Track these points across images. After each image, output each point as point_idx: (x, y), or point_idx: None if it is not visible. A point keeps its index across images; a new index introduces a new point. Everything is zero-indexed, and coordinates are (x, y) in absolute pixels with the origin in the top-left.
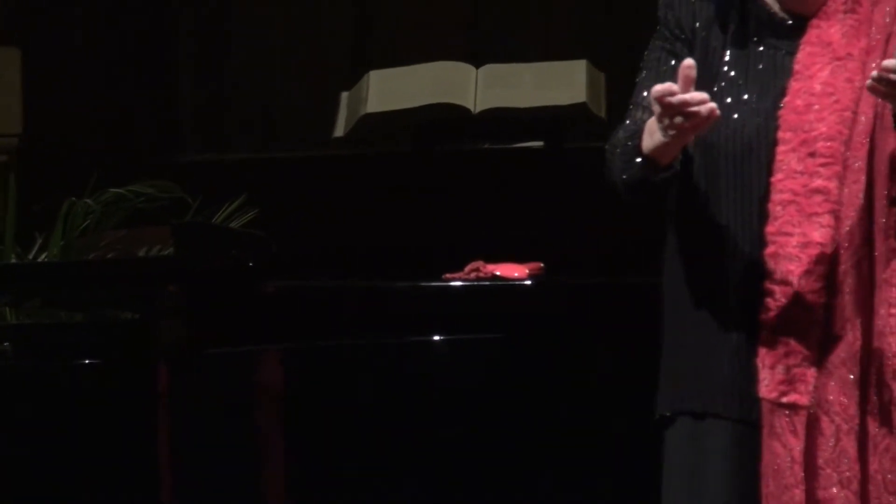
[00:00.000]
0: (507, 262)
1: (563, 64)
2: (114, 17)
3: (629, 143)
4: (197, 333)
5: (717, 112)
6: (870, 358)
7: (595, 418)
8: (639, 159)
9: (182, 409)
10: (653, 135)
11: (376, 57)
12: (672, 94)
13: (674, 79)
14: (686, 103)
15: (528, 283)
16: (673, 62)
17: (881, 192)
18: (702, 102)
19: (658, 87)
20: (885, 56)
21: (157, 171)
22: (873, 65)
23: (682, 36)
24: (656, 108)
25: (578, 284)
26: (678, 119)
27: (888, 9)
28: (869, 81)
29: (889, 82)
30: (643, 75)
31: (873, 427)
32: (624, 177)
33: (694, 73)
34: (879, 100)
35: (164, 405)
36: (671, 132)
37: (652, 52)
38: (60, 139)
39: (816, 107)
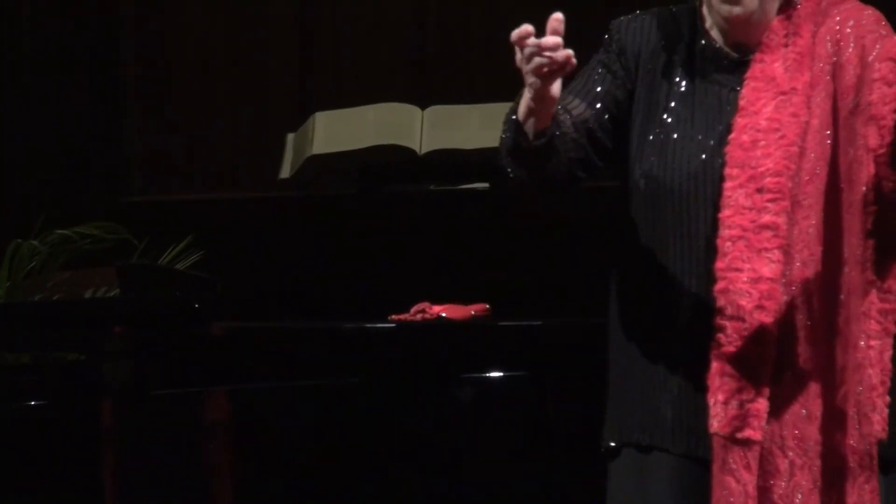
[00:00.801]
0: (453, 303)
1: (508, 105)
2: (61, 59)
3: (508, 114)
4: (143, 374)
5: (574, 61)
6: (844, 391)
7: (540, 453)
8: (512, 122)
9: (128, 449)
10: (524, 98)
11: (322, 98)
12: (529, 35)
13: (600, 85)
14: (541, 46)
15: (474, 324)
16: (602, 70)
17: (854, 225)
18: (556, 47)
19: (516, 31)
20: (829, 89)
21: (103, 213)
22: (818, 99)
23: (624, 61)
24: (517, 55)
25: (524, 325)
26: (536, 60)
27: (828, 38)
28: None
29: None
30: (573, 81)
31: (853, 460)
32: (504, 143)
33: (562, 27)
34: (843, 135)
35: (109, 446)
36: (531, 80)
37: (590, 63)
38: (6, 181)
39: (763, 142)
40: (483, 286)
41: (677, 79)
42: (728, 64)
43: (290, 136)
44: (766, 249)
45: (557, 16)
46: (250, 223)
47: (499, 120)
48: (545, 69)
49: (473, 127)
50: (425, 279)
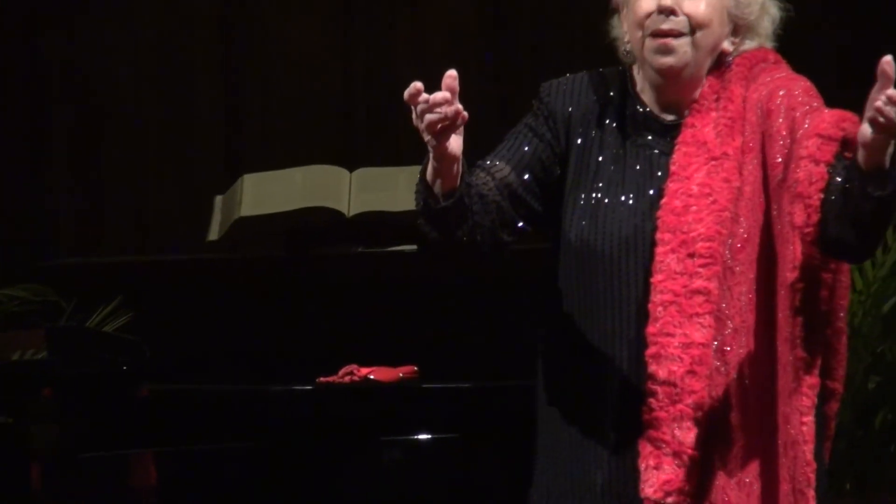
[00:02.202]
0: (381, 365)
1: None
2: None
3: (419, 176)
4: (71, 437)
5: (465, 115)
6: (779, 464)
7: None
8: (421, 183)
9: None
10: (428, 160)
11: (250, 160)
12: (419, 92)
13: (525, 148)
14: (431, 103)
15: (402, 386)
16: (528, 133)
17: (784, 301)
18: (445, 102)
19: (408, 89)
20: (760, 158)
21: (31, 275)
22: (750, 166)
23: (552, 124)
24: (413, 114)
25: (452, 388)
26: (427, 117)
27: (759, 106)
28: (870, 113)
29: (890, 115)
30: (500, 145)
31: None
32: (417, 207)
33: (455, 83)
34: (783, 206)
35: None
36: (427, 137)
37: (517, 127)
38: None
39: (694, 207)
40: (411, 348)
41: (608, 142)
42: (659, 128)
43: (218, 199)
44: (698, 315)
45: (451, 73)
46: (178, 285)
47: None
48: (438, 126)
49: (401, 189)
50: (353, 341)
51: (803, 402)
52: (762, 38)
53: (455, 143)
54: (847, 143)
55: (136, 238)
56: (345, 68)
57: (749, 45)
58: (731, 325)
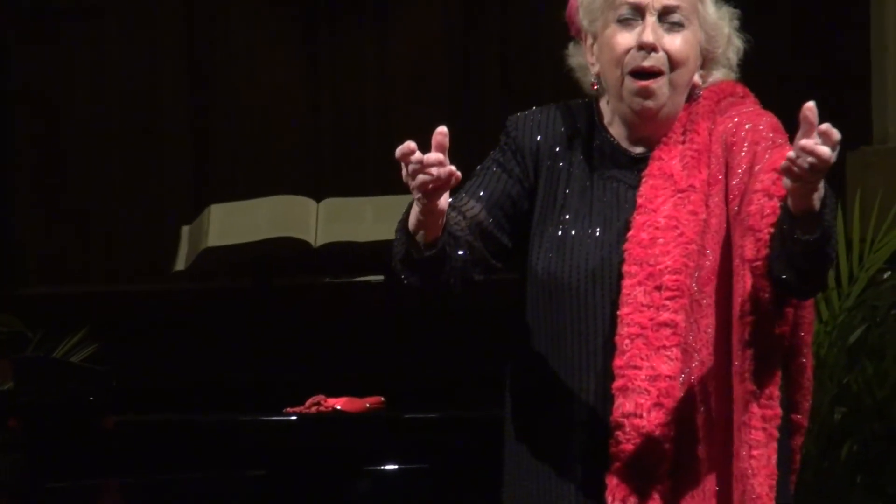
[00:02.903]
0: (348, 395)
1: (403, 198)
2: None
3: (400, 222)
4: (37, 467)
5: (459, 175)
6: (734, 499)
7: None
8: (403, 233)
9: None
10: (413, 210)
11: (217, 190)
12: (413, 152)
13: (494, 185)
14: (424, 163)
15: (370, 416)
16: (496, 169)
17: (736, 334)
18: (437, 163)
19: (400, 147)
20: (725, 191)
21: None
22: (716, 198)
23: (520, 158)
24: (403, 171)
25: (419, 418)
26: (420, 177)
27: (724, 138)
28: (784, 162)
29: (803, 164)
30: (468, 181)
31: None
32: (396, 254)
33: (445, 140)
34: (735, 239)
35: None
36: (417, 195)
37: (485, 162)
38: None
39: (661, 240)
40: (378, 378)
41: (575, 175)
42: (626, 161)
43: (185, 229)
44: (665, 347)
45: (441, 129)
46: (145, 316)
47: (393, 212)
48: (430, 186)
49: (368, 219)
50: (320, 371)
51: (752, 435)
52: (727, 68)
53: (443, 199)
54: None
55: (103, 268)
56: (311, 99)
57: (716, 75)
58: (697, 358)
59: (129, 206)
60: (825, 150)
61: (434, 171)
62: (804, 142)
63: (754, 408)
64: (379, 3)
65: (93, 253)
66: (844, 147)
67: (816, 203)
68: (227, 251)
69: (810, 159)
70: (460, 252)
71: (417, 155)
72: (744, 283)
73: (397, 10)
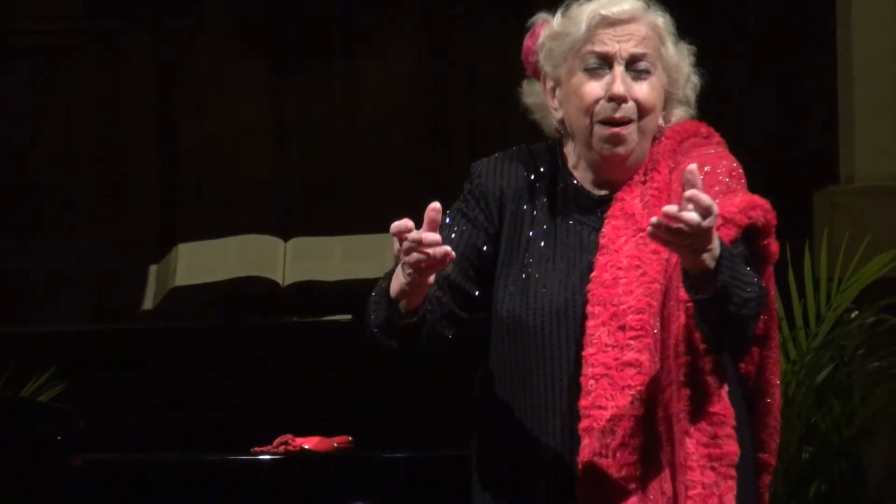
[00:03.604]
0: (316, 435)
1: (371, 237)
2: None
3: (381, 286)
4: None
5: (453, 255)
6: None
7: None
8: (384, 300)
9: None
10: (398, 277)
11: (184, 230)
12: (409, 230)
13: (460, 238)
14: (420, 242)
15: (337, 456)
16: (461, 220)
17: (673, 374)
18: (434, 244)
19: (396, 223)
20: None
21: None
22: None
23: (484, 205)
24: (396, 245)
25: (386, 458)
26: (414, 255)
27: (682, 177)
28: (649, 228)
29: (669, 230)
30: None
31: None
32: (373, 318)
33: (438, 216)
34: (674, 279)
35: None
36: (408, 270)
37: (449, 213)
38: None
39: (624, 280)
40: (346, 418)
41: (539, 218)
42: (589, 203)
43: (153, 268)
44: (630, 387)
45: (434, 206)
46: (113, 355)
47: (361, 252)
48: (423, 264)
49: (336, 259)
50: (288, 411)
51: (688, 475)
52: (686, 105)
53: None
54: (755, 231)
55: (70, 308)
56: (279, 138)
57: (676, 113)
58: (661, 398)
59: (96, 246)
60: (692, 217)
61: (430, 251)
62: (667, 208)
63: (690, 447)
64: (347, 41)
65: (60, 292)
66: (811, 186)
67: (709, 262)
68: (194, 290)
69: (678, 225)
70: (432, 312)
71: (414, 234)
72: (679, 322)
73: (365, 49)
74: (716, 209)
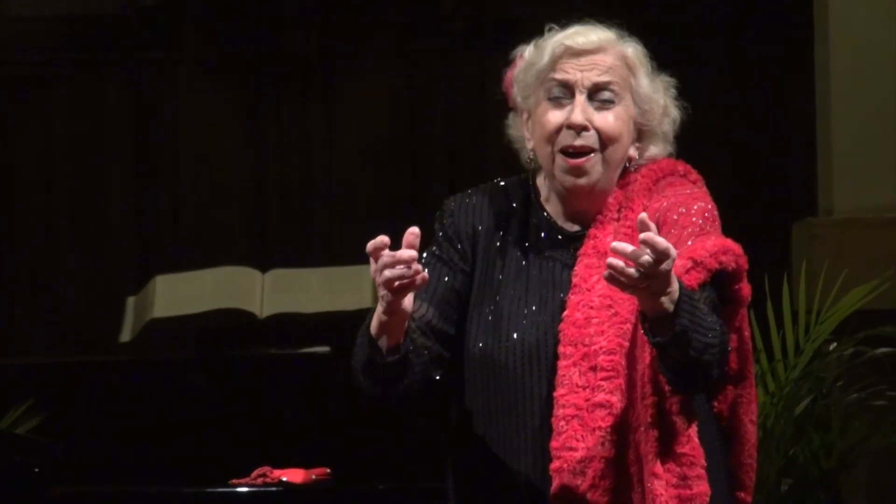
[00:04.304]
0: (294, 467)
1: (349, 269)
2: None
3: (363, 328)
4: None
5: (426, 276)
6: None
7: None
8: (365, 338)
9: None
10: (377, 313)
11: (162, 262)
12: (385, 245)
13: (437, 282)
14: (396, 259)
15: (315, 487)
16: (436, 263)
17: (640, 416)
18: (410, 260)
19: (372, 241)
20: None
21: None
22: None
23: (457, 244)
24: (372, 265)
25: (364, 490)
26: (388, 272)
27: (657, 217)
28: (605, 272)
29: (625, 273)
30: None
31: None
32: (356, 361)
33: (417, 241)
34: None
35: None
36: (383, 292)
37: (425, 258)
38: None
39: (596, 320)
40: (324, 450)
41: (511, 255)
42: (562, 239)
43: (131, 300)
44: (601, 428)
45: (413, 230)
46: (91, 387)
47: (339, 283)
48: (396, 283)
49: (314, 290)
50: (266, 443)
51: None
52: (664, 140)
53: (408, 299)
54: (725, 276)
55: (48, 339)
56: (257, 171)
57: (653, 150)
58: (633, 440)
59: (74, 277)
60: (647, 259)
61: (402, 267)
62: (616, 244)
63: (659, 489)
64: (325, 75)
65: (37, 324)
66: (790, 218)
67: (668, 306)
68: (172, 322)
69: (630, 271)
70: (419, 357)
71: (388, 252)
72: (643, 363)
73: (343, 83)
74: (673, 252)
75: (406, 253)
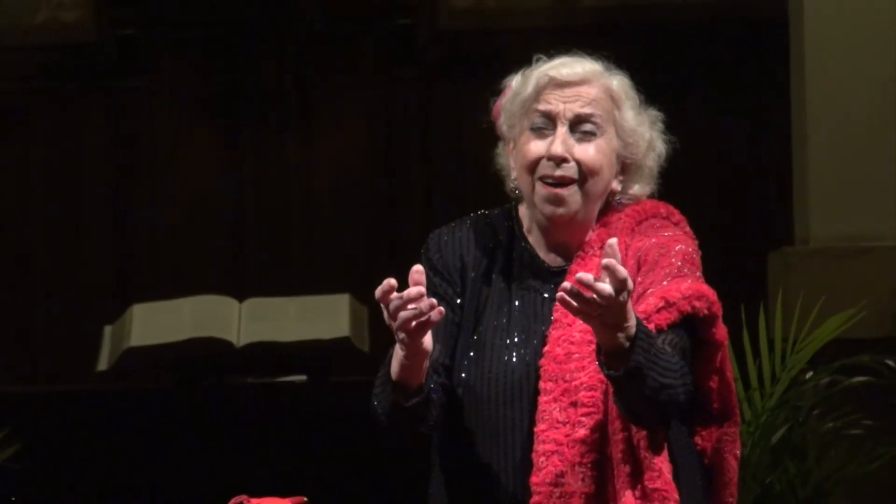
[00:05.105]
0: (271, 496)
1: (326, 298)
2: None
3: (381, 373)
4: None
5: (441, 309)
6: None
7: None
8: (388, 384)
9: None
10: (396, 356)
11: (139, 290)
12: (393, 288)
13: (441, 324)
14: (406, 299)
15: None
16: (439, 303)
17: (614, 453)
18: (419, 297)
19: (381, 287)
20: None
21: None
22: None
23: (447, 277)
24: (385, 313)
25: None
26: (402, 314)
27: (639, 255)
28: (559, 294)
29: (581, 298)
30: None
31: None
32: (379, 407)
33: (423, 277)
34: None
35: None
36: (401, 336)
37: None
38: None
39: (576, 355)
40: (301, 478)
41: (495, 286)
42: (545, 273)
43: (108, 329)
44: (581, 464)
45: (417, 268)
46: (67, 416)
47: (316, 312)
48: (413, 323)
49: (291, 319)
50: (243, 471)
51: None
52: (648, 175)
53: (427, 338)
54: (697, 320)
55: (25, 368)
56: (235, 199)
57: (637, 188)
58: (611, 476)
59: (50, 306)
60: (604, 288)
61: (415, 305)
62: (580, 274)
63: None
64: (303, 103)
65: (14, 353)
66: (766, 247)
67: (623, 341)
68: (149, 351)
69: (590, 294)
70: (437, 394)
71: (397, 294)
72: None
73: (322, 111)
74: (631, 285)
75: (415, 290)
